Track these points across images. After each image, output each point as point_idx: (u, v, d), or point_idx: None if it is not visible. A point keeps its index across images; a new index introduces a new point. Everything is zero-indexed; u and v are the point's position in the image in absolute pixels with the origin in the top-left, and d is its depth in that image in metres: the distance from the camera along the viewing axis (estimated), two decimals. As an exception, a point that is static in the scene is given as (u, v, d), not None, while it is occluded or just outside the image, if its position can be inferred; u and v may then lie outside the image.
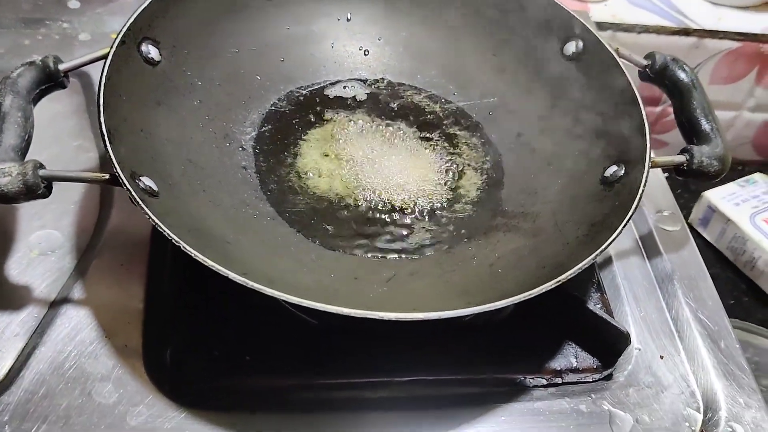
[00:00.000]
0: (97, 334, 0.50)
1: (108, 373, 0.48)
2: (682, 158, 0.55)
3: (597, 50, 0.59)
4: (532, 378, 0.52)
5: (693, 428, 0.51)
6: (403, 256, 0.54)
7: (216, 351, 0.49)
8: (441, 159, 0.61)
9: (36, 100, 0.50)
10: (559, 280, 0.44)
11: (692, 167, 0.54)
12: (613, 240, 0.47)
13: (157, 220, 0.43)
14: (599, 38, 0.59)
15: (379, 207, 0.57)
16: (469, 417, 0.50)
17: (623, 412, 0.51)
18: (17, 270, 0.53)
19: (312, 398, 0.50)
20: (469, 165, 0.61)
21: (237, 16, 0.62)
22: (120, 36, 0.51)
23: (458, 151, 0.62)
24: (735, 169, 0.98)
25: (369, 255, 0.53)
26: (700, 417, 0.51)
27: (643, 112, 0.55)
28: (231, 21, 0.61)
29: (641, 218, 0.65)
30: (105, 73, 0.49)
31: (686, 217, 0.87)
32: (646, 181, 0.51)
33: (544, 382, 0.52)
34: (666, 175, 0.71)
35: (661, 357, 0.55)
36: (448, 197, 0.59)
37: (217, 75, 0.59)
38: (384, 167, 0.60)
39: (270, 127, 0.60)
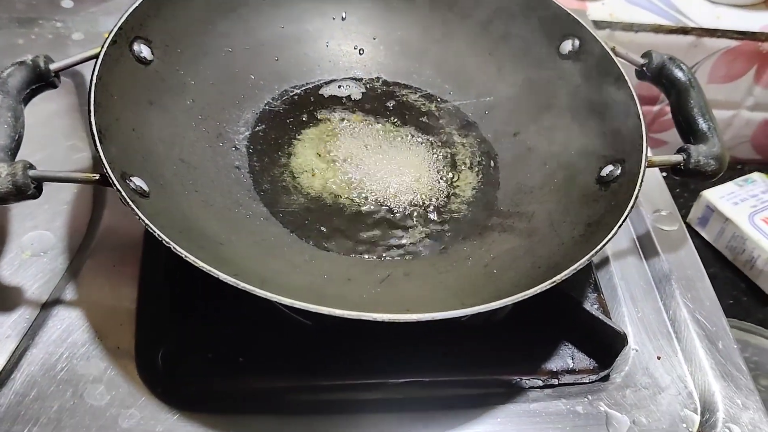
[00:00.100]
0: (89, 335, 0.50)
1: (100, 375, 0.48)
2: (679, 158, 0.54)
3: (593, 49, 0.59)
4: (529, 379, 0.51)
5: (690, 429, 0.50)
6: (398, 256, 0.54)
7: (209, 352, 0.49)
8: (436, 158, 0.61)
9: (27, 100, 0.49)
10: (555, 281, 0.44)
11: (689, 167, 0.54)
12: (609, 240, 0.47)
13: (147, 221, 0.42)
14: (596, 37, 0.59)
15: (373, 207, 0.56)
16: (465, 418, 0.49)
17: (620, 413, 0.50)
18: (9, 271, 0.52)
19: (306, 400, 0.49)
20: (464, 164, 0.61)
21: (231, 15, 0.61)
22: (111, 35, 0.51)
23: (454, 150, 0.62)
24: (734, 169, 0.97)
25: (363, 256, 0.53)
26: (697, 418, 0.51)
27: (640, 111, 0.54)
28: (225, 20, 0.61)
29: (639, 218, 0.65)
30: (96, 73, 0.48)
31: (685, 216, 0.87)
32: (642, 180, 0.50)
33: (541, 383, 0.51)
34: (664, 174, 0.70)
35: (659, 358, 0.54)
36: (443, 197, 0.58)
37: (210, 74, 0.59)
38: (379, 167, 0.59)
39: (264, 126, 0.60)
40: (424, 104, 0.65)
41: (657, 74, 0.60)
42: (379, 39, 0.66)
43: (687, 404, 0.52)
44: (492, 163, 0.61)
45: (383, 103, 0.64)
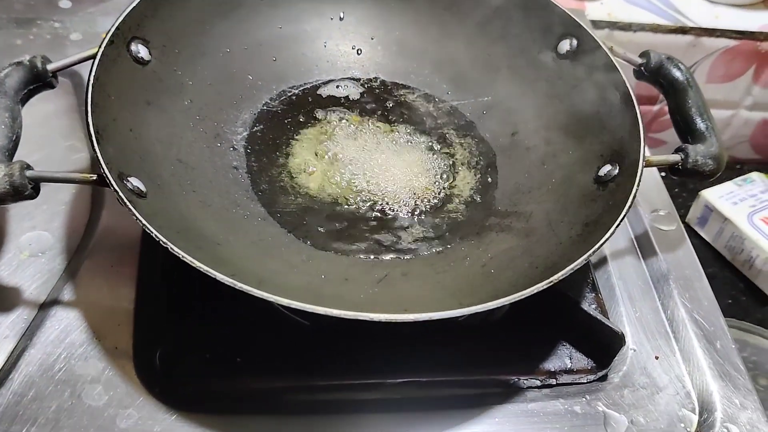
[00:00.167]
0: (87, 336, 0.50)
1: (98, 376, 0.48)
2: (676, 157, 0.54)
3: (591, 49, 0.59)
4: (527, 379, 0.51)
5: (688, 429, 0.50)
6: (395, 256, 0.54)
7: (207, 353, 0.49)
8: (434, 158, 0.61)
9: (24, 101, 0.49)
10: (552, 281, 0.44)
11: (687, 166, 0.54)
12: (607, 240, 0.47)
13: (144, 221, 0.42)
14: (594, 36, 0.59)
15: (371, 207, 0.56)
16: (463, 418, 0.49)
17: (618, 413, 0.50)
18: (7, 271, 0.52)
19: (304, 400, 0.49)
20: (462, 164, 0.61)
21: (229, 15, 0.61)
22: (108, 36, 0.51)
23: (452, 150, 0.62)
24: (733, 168, 0.97)
25: (360, 256, 0.53)
26: (695, 418, 0.51)
27: (638, 111, 0.54)
28: (223, 20, 0.61)
29: (636, 218, 0.65)
30: (93, 73, 0.48)
31: (684, 216, 0.87)
32: (640, 180, 0.50)
33: (539, 383, 0.51)
34: (662, 174, 0.70)
35: (657, 358, 0.54)
36: (441, 197, 0.58)
37: (208, 74, 0.59)
38: (377, 167, 0.59)
39: (262, 126, 0.60)
40: (422, 104, 0.65)
41: (655, 74, 0.60)
42: (377, 39, 0.66)
43: (685, 404, 0.52)
44: (490, 163, 0.61)
45: (381, 103, 0.64)
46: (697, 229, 0.86)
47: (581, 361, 0.52)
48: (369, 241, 0.54)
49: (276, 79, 0.63)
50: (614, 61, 0.58)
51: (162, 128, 0.54)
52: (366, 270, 0.52)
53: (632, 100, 0.55)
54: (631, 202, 0.49)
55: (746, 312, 0.80)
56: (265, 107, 0.61)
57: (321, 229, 0.54)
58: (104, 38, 0.51)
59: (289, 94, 0.63)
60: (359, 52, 0.66)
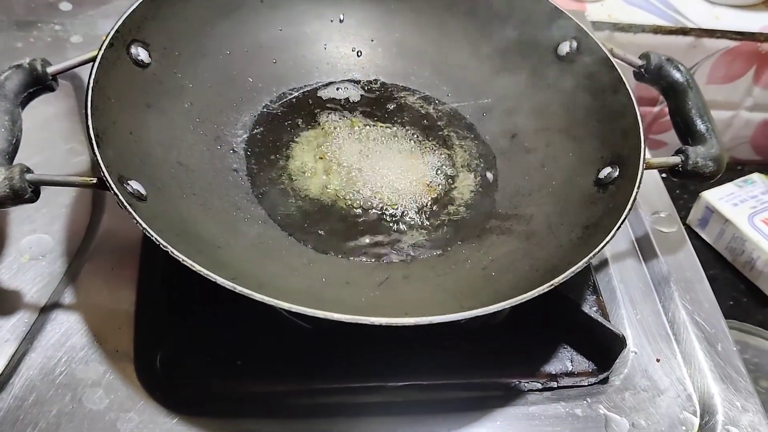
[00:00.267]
0: (88, 339, 0.50)
1: (99, 379, 0.48)
2: (677, 159, 0.54)
3: (591, 50, 0.59)
4: (528, 382, 0.51)
5: (689, 432, 0.50)
6: (396, 259, 0.53)
7: (207, 356, 0.49)
8: (434, 161, 0.61)
9: (24, 104, 0.49)
10: (552, 284, 0.44)
11: (687, 168, 0.54)
12: (607, 243, 0.47)
13: (144, 225, 0.42)
14: (594, 38, 0.59)
15: (372, 210, 0.56)
16: (464, 422, 0.49)
17: (619, 416, 0.50)
18: (7, 275, 0.52)
19: (305, 403, 0.49)
20: (462, 167, 0.61)
21: (229, 17, 0.61)
22: (108, 38, 0.51)
23: (452, 152, 0.62)
24: (733, 169, 0.97)
25: (361, 258, 0.53)
26: (696, 421, 0.51)
27: (638, 113, 0.54)
28: (223, 22, 0.61)
29: (637, 220, 0.65)
30: (93, 76, 0.48)
31: (684, 217, 0.87)
32: (640, 183, 0.50)
33: (540, 386, 0.51)
34: (663, 175, 0.70)
35: (658, 360, 0.54)
36: (442, 199, 0.58)
37: (208, 77, 0.59)
38: (377, 169, 0.59)
39: (262, 129, 0.60)
40: (422, 106, 0.65)
41: (655, 75, 0.60)
42: (377, 41, 0.66)
43: (686, 407, 0.52)
44: (490, 165, 0.61)
45: (381, 105, 0.64)
46: (697, 230, 0.86)
47: (582, 363, 0.52)
48: (370, 243, 0.54)
49: (276, 82, 0.63)
50: (614, 63, 0.57)
51: (162, 131, 0.54)
52: (367, 273, 0.52)
53: (632, 103, 0.55)
54: (632, 205, 0.49)
55: (747, 313, 0.80)
56: (265, 109, 0.61)
57: (321, 232, 0.54)
58: (104, 41, 0.51)
59: (289, 97, 0.63)
60: (359, 54, 0.66)
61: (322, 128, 0.61)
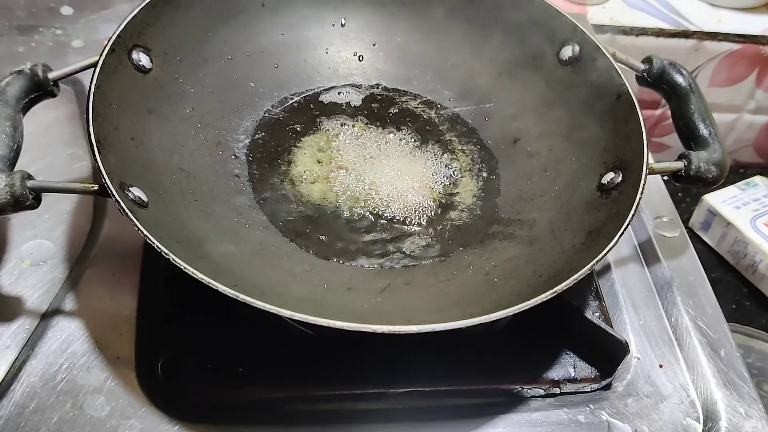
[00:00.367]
0: (89, 345, 0.50)
1: (100, 386, 0.48)
2: (679, 164, 0.54)
3: (594, 55, 0.59)
4: (530, 388, 0.51)
5: (693, 438, 0.50)
6: (398, 265, 0.53)
7: (209, 362, 0.49)
8: (437, 166, 0.61)
9: (25, 110, 0.49)
10: (556, 291, 0.44)
11: (690, 173, 0.54)
12: (610, 249, 0.46)
13: (146, 232, 0.42)
14: (596, 42, 0.59)
15: (373, 215, 0.56)
16: (466, 428, 0.49)
17: (622, 422, 0.50)
18: (9, 281, 0.52)
19: (307, 410, 0.49)
20: (464, 171, 0.61)
21: (231, 22, 0.61)
22: (110, 44, 0.51)
23: (454, 157, 0.61)
24: (736, 172, 0.97)
25: (364, 264, 0.53)
26: (699, 427, 0.51)
27: (641, 118, 0.54)
28: (225, 27, 0.61)
29: (640, 224, 0.65)
30: (94, 82, 0.48)
31: (687, 220, 0.86)
32: (643, 188, 0.50)
33: (542, 392, 0.51)
34: (665, 178, 0.70)
35: (661, 366, 0.54)
36: (444, 204, 0.58)
37: (210, 82, 0.59)
38: (379, 174, 0.59)
39: (263, 134, 0.60)
40: (424, 111, 0.64)
41: (657, 80, 0.60)
42: (379, 45, 0.66)
43: (689, 413, 0.51)
44: (492, 170, 0.61)
45: (383, 109, 0.64)
46: (700, 233, 0.86)
47: (585, 369, 0.52)
48: (371, 249, 0.54)
49: (277, 86, 0.63)
50: (617, 68, 0.57)
51: (163, 137, 0.53)
52: (369, 279, 0.52)
53: (635, 108, 0.55)
54: (634, 211, 0.49)
55: (750, 317, 0.80)
56: (266, 114, 0.61)
57: (323, 238, 0.54)
58: (105, 46, 0.51)
59: (290, 101, 0.63)
60: (361, 58, 0.66)
61: (324, 133, 0.61)
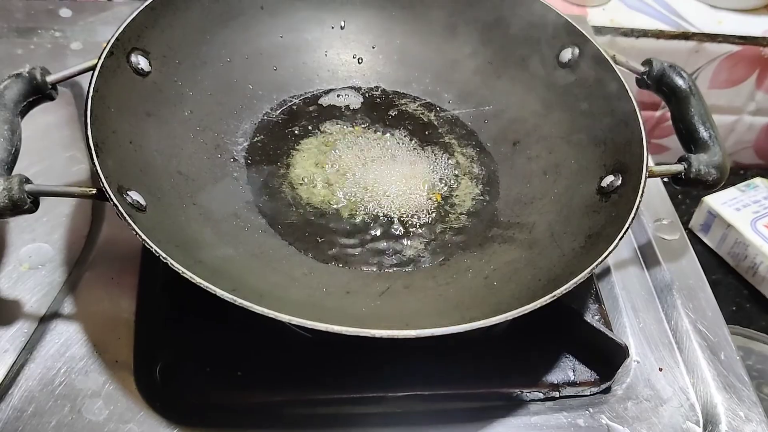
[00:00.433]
0: (88, 349, 0.49)
1: (98, 390, 0.48)
2: (679, 167, 0.54)
3: (593, 57, 0.59)
4: (529, 392, 0.51)
5: (693, 442, 0.50)
6: (397, 268, 0.53)
7: (207, 366, 0.49)
8: (436, 168, 0.60)
9: (24, 113, 0.49)
10: (555, 295, 0.43)
11: (690, 176, 0.54)
12: (610, 252, 0.46)
13: (144, 236, 0.42)
14: (596, 45, 0.59)
15: (373, 218, 0.56)
16: (465, 432, 0.49)
17: (621, 426, 0.50)
18: (7, 284, 0.52)
19: (305, 414, 0.49)
20: (464, 174, 0.61)
21: (230, 25, 0.61)
22: (108, 47, 0.51)
23: (453, 160, 0.61)
24: (736, 174, 0.97)
25: (363, 268, 0.53)
26: (699, 430, 0.51)
27: (641, 121, 0.54)
28: (223, 30, 0.61)
29: (640, 227, 0.64)
30: (93, 85, 0.48)
31: (687, 222, 0.86)
32: (643, 192, 0.50)
33: (542, 395, 0.51)
34: (665, 180, 0.70)
35: (660, 369, 0.54)
36: (443, 207, 0.58)
37: (208, 84, 0.59)
38: (378, 177, 0.59)
39: (262, 137, 0.60)
40: (423, 113, 0.64)
41: (657, 82, 0.59)
42: (378, 48, 0.66)
43: (689, 416, 0.51)
44: (492, 173, 0.61)
45: (382, 112, 0.64)
46: (700, 235, 0.86)
47: (584, 373, 0.52)
48: (370, 252, 0.54)
49: (277, 89, 0.63)
50: (617, 70, 0.57)
51: (162, 140, 0.53)
52: (368, 282, 0.51)
53: (635, 110, 0.54)
54: (634, 215, 0.48)
55: (750, 319, 0.79)
56: (265, 117, 0.61)
57: (322, 241, 0.54)
58: (104, 49, 0.51)
59: (289, 104, 0.63)
60: (360, 61, 0.66)
61: (323, 136, 0.61)
